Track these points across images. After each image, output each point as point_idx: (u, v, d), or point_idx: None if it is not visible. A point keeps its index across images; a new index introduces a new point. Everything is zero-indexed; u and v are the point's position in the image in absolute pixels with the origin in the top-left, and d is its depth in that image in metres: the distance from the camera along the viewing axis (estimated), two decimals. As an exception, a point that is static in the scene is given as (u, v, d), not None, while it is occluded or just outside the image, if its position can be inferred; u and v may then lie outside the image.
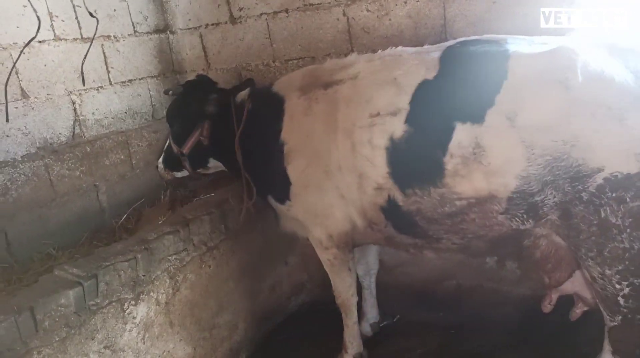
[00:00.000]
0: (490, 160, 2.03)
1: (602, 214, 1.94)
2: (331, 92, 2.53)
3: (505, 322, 3.24)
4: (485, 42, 2.18)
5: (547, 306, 2.48)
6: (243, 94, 3.03)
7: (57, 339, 2.13)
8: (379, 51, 2.54)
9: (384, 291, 3.46)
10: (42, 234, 2.97)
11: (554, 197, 2.03)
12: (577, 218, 2.01)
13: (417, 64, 2.27)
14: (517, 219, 2.15)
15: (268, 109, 2.83)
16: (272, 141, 2.74)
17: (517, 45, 2.09)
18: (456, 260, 3.33)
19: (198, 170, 3.25)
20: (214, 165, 3.21)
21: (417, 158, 2.21)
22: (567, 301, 2.60)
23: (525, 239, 2.25)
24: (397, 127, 2.22)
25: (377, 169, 2.32)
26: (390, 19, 3.00)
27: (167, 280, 2.68)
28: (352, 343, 3.04)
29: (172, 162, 3.28)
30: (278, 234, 3.59)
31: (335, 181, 2.53)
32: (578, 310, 2.48)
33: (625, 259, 1.97)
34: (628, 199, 1.88)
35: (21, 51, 2.81)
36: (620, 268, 2.00)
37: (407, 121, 2.20)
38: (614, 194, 1.89)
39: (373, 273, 3.30)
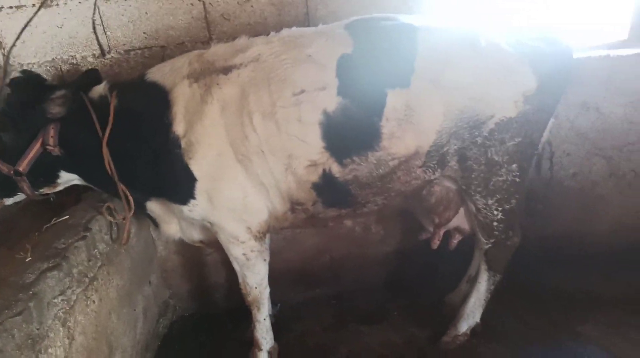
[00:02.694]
0: (419, 119, 2.32)
1: (489, 154, 2.46)
2: (234, 76, 2.39)
3: (377, 279, 3.68)
4: (382, 18, 2.44)
5: (436, 243, 2.95)
6: (100, 89, 2.53)
7: None
8: (272, 33, 2.51)
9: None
10: None
11: (455, 145, 2.45)
12: (471, 159, 2.49)
13: (328, 41, 2.36)
14: (430, 171, 2.51)
15: (147, 103, 2.47)
16: (161, 137, 2.41)
17: (411, 19, 2.43)
18: (329, 235, 3.57)
19: (41, 190, 2.56)
20: (66, 179, 2.58)
21: (355, 126, 2.32)
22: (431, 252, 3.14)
23: (424, 189, 2.65)
24: (330, 100, 2.29)
25: (310, 146, 2.34)
26: (252, 6, 2.95)
27: (61, 329, 2.08)
28: (266, 338, 2.94)
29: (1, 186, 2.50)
30: (139, 250, 3.17)
31: (254, 167, 2.41)
32: (455, 240, 3.04)
33: (503, 189, 2.56)
34: (507, 140, 2.44)
35: None
36: (498, 197, 2.58)
37: (340, 93, 2.28)
38: (499, 136, 2.42)
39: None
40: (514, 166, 2.52)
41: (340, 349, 3.10)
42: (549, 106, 2.52)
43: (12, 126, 2.38)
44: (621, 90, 3.25)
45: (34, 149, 2.39)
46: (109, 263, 2.66)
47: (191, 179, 2.43)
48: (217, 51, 2.50)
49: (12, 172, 2.40)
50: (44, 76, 2.96)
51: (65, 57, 2.97)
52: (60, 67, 2.99)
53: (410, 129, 2.34)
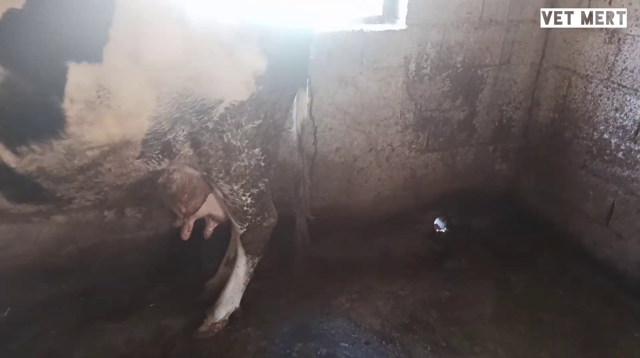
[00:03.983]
0: (119, 102, 1.92)
1: (225, 139, 2.23)
2: None
3: (138, 268, 3.29)
4: None
5: (186, 234, 2.71)
6: None
7: None
8: None
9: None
10: None
11: (183, 131, 2.16)
12: (205, 145, 2.23)
13: None
14: (154, 161, 2.17)
15: None
16: None
17: None
18: (72, 223, 3.06)
19: None
20: None
21: (26, 107, 1.82)
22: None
23: (159, 177, 2.33)
24: None
25: None
26: None
27: None
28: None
29: None
30: None
31: None
32: (210, 228, 2.82)
33: (247, 174, 2.37)
34: (243, 123, 2.22)
35: None
36: (243, 182, 2.39)
37: None
38: (233, 120, 2.19)
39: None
40: (256, 150, 2.35)
41: (75, 354, 2.69)
42: (288, 84, 2.37)
43: None
44: (375, 66, 3.32)
45: None
46: None
47: None
48: None
49: None
50: None
51: None
52: None
53: (109, 114, 1.93)
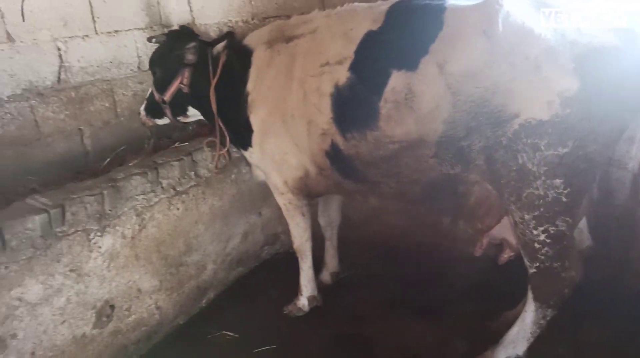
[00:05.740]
0: (420, 105, 2.19)
1: (520, 160, 2.09)
2: (292, 45, 2.68)
3: (456, 278, 3.43)
4: None
5: (478, 251, 2.71)
6: (220, 46, 3.13)
7: (24, 258, 2.37)
8: (338, 7, 2.65)
9: (348, 245, 3.64)
10: (26, 171, 3.16)
11: (479, 142, 2.18)
12: (499, 163, 2.16)
13: (367, 17, 2.41)
14: (447, 164, 2.31)
15: (238, 60, 2.95)
16: (240, 91, 2.88)
17: None
18: (417, 219, 3.50)
19: (178, 118, 3.33)
20: (193, 113, 3.30)
21: (357, 103, 2.36)
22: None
23: (460, 185, 2.42)
24: (342, 74, 2.38)
25: (323, 115, 2.48)
26: (361, -21, 3.07)
27: (134, 217, 2.90)
28: (307, 286, 3.26)
29: (154, 109, 3.35)
30: (251, 186, 3.80)
31: (290, 129, 2.70)
32: (505, 255, 2.68)
33: (540, 205, 2.13)
34: (542, 147, 2.02)
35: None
36: (536, 213, 2.16)
37: (350, 68, 2.35)
38: (529, 141, 2.03)
39: (335, 225, 3.48)
40: (558, 181, 2.08)
41: (366, 328, 3.13)
42: (613, 115, 1.97)
43: (163, 64, 3.16)
44: None
45: (175, 85, 3.10)
46: (207, 186, 3.39)
47: (250, 130, 2.88)
48: (292, 21, 2.81)
49: (160, 100, 3.22)
50: (212, 34, 3.81)
51: (225, 20, 3.74)
52: (222, 29, 3.78)
53: (410, 115, 2.22)
